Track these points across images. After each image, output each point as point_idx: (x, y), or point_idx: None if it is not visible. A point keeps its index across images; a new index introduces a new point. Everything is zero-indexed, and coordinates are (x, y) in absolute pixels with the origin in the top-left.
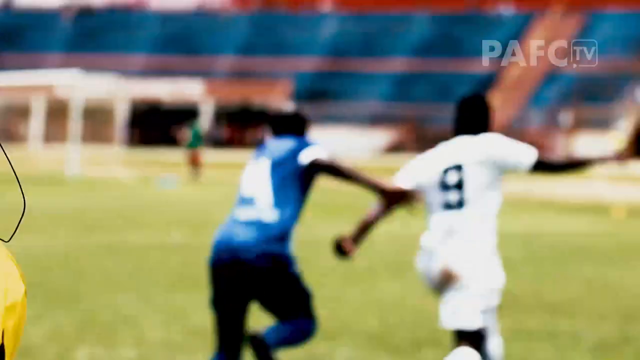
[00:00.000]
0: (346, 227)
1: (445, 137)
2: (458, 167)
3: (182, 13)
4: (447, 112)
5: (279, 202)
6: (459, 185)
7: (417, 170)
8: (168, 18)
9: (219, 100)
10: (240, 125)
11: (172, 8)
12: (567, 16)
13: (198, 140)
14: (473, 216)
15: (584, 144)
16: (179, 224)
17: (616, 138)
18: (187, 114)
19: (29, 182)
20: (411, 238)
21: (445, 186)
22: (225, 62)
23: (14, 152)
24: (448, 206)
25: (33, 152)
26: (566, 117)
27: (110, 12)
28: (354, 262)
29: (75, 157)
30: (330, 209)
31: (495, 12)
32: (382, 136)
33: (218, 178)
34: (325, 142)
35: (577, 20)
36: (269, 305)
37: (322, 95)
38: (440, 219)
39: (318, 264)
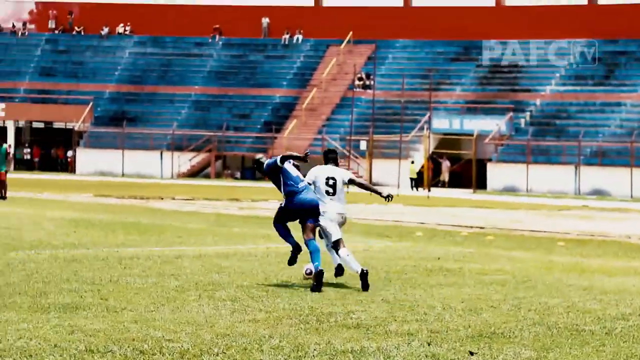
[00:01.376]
0: None
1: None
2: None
3: None
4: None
5: None
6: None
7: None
8: None
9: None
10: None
11: None
12: (360, 45)
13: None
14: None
15: (381, 171)
16: None
17: (411, 166)
18: None
19: None
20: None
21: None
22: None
23: None
24: (328, 193)
25: None
26: (364, 144)
27: None
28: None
29: None
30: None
31: (290, 40)
32: (183, 159)
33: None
34: (131, 163)
35: (368, 49)
36: None
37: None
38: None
39: None
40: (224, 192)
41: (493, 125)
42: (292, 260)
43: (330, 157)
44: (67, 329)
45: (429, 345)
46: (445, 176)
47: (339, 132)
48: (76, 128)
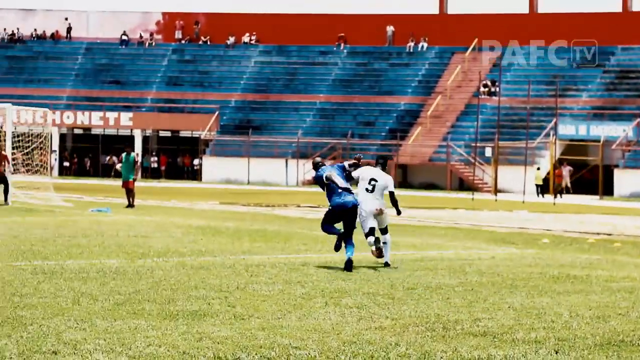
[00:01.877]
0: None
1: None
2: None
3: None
4: (370, 144)
5: None
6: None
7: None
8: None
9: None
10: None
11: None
12: (484, 52)
13: (131, 170)
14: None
15: (506, 178)
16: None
17: (537, 172)
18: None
19: None
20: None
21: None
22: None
23: None
24: (367, 190)
25: None
26: (490, 150)
27: (38, 42)
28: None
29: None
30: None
31: (415, 48)
32: (308, 167)
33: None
34: (256, 171)
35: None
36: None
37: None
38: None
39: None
40: None
41: (620, 131)
42: (337, 247)
43: (380, 162)
44: (195, 336)
45: (556, 353)
46: (566, 182)
47: (464, 139)
48: (202, 136)
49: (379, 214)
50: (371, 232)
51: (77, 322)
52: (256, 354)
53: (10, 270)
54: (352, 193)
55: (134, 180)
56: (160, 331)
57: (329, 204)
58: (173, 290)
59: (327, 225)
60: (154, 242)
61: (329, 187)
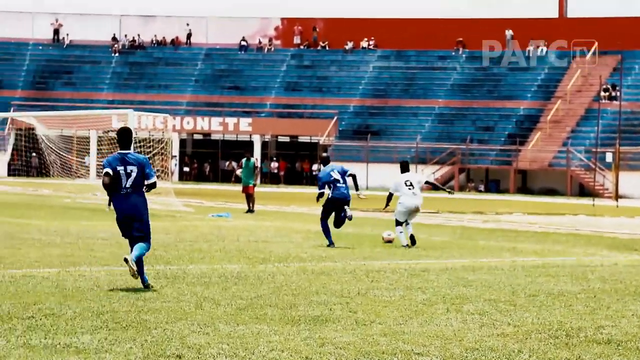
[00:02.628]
0: None
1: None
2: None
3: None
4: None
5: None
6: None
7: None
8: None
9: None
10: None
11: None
12: (605, 56)
13: (251, 175)
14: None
15: (627, 184)
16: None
17: None
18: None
19: (92, 211)
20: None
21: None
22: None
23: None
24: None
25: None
26: (610, 156)
27: (159, 48)
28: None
29: None
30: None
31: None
32: (427, 172)
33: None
34: (375, 176)
35: (614, 60)
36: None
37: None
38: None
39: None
40: (468, 205)
41: None
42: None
43: (404, 167)
44: (318, 341)
45: None
46: None
47: (584, 144)
48: (321, 142)
49: (416, 211)
50: (404, 222)
51: (200, 326)
52: (379, 359)
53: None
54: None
55: (254, 185)
56: (283, 336)
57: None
58: (294, 295)
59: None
60: (274, 247)
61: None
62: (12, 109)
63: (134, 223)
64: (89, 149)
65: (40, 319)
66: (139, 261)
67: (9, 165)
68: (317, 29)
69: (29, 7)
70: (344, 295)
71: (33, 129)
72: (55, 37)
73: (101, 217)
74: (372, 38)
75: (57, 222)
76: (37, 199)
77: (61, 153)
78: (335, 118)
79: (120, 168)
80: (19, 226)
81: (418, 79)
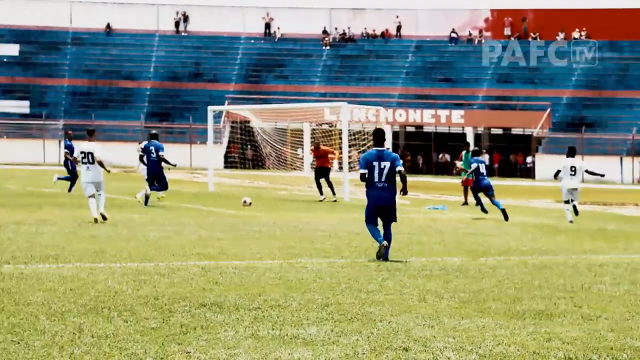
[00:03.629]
0: None
1: None
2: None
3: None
4: None
5: None
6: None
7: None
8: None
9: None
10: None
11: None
12: None
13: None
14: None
15: None
16: (456, 248)
17: None
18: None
19: (308, 203)
20: None
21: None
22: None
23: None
24: (571, 175)
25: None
26: None
27: (369, 41)
28: None
29: (346, 182)
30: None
31: None
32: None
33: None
34: (590, 169)
35: None
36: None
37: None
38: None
39: None
40: None
41: None
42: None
43: (571, 152)
44: (544, 336)
45: None
46: None
47: None
48: (535, 134)
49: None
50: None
51: (424, 319)
52: (607, 355)
53: (355, 266)
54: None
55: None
56: (509, 330)
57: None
58: (517, 289)
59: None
60: (493, 240)
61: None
62: (226, 102)
63: (387, 210)
64: (303, 141)
65: (267, 310)
66: (389, 240)
67: (225, 157)
68: (527, 20)
69: (241, 2)
70: (568, 290)
71: (248, 121)
72: (267, 31)
73: (317, 208)
74: (584, 29)
75: (276, 214)
76: (254, 190)
77: (276, 145)
78: (549, 110)
79: (376, 163)
80: (240, 218)
81: (632, 70)
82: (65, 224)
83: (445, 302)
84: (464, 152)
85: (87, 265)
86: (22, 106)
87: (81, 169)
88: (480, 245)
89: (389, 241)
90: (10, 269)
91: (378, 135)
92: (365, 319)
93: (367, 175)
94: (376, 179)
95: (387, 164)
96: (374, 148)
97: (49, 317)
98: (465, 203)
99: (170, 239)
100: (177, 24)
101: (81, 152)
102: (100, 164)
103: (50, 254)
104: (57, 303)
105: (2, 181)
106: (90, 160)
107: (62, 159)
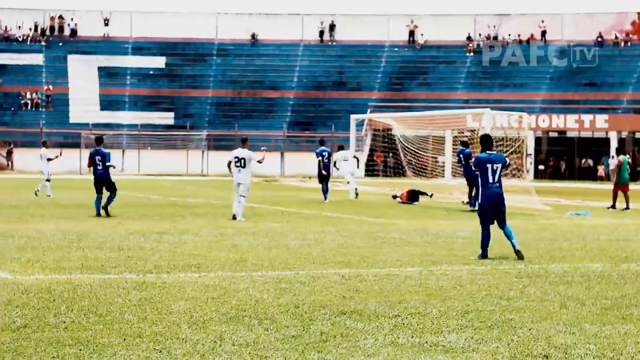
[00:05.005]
0: None
1: None
2: None
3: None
4: None
5: None
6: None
7: None
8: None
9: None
10: None
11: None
12: None
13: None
14: None
15: None
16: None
17: None
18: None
19: (449, 210)
20: None
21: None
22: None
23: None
24: None
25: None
26: None
27: (513, 46)
28: None
29: None
30: None
31: None
32: None
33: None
34: None
35: None
36: None
37: None
38: None
39: None
40: None
41: None
42: None
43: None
44: None
45: None
46: None
47: None
48: None
49: None
50: None
51: (565, 326)
52: None
53: (496, 273)
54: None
55: (628, 183)
56: None
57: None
58: None
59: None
60: (636, 246)
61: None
62: (369, 110)
63: (501, 208)
64: (444, 148)
65: (406, 318)
66: (511, 235)
67: (366, 165)
68: None
69: (385, 10)
70: None
71: (390, 129)
72: (411, 39)
73: (458, 216)
74: None
75: (415, 221)
76: (388, 198)
77: (417, 152)
78: None
79: (489, 165)
80: (380, 225)
81: None
82: (207, 234)
83: (586, 308)
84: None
85: (229, 274)
86: (166, 117)
87: (234, 171)
88: (622, 250)
89: (511, 236)
90: (153, 278)
91: (487, 140)
92: (505, 326)
93: (480, 177)
94: (490, 180)
95: (499, 166)
96: (487, 152)
97: (191, 325)
98: (612, 206)
99: (311, 247)
100: (321, 33)
101: (235, 157)
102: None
103: (193, 263)
104: (198, 312)
105: (146, 192)
106: (243, 165)
107: (204, 168)
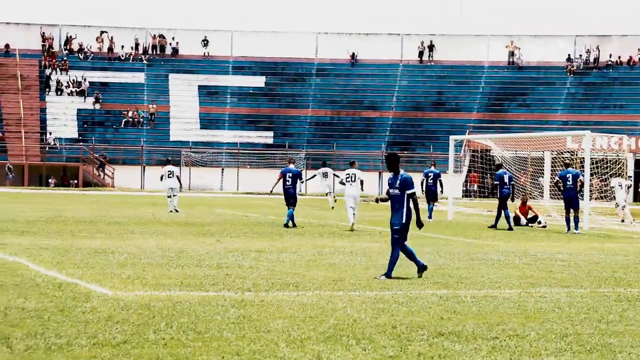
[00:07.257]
0: None
1: None
2: None
3: None
4: None
5: None
6: None
7: None
8: None
9: None
10: None
11: None
12: None
13: None
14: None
15: None
16: None
17: None
18: None
19: (538, 231)
20: None
21: None
22: None
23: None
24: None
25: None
26: None
27: (614, 68)
28: None
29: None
30: None
31: None
32: None
33: None
34: None
35: None
36: None
37: None
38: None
39: None
40: None
41: None
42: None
43: None
44: None
45: None
46: None
47: None
48: None
49: None
50: None
51: None
52: None
53: (595, 296)
54: None
55: None
56: None
57: None
58: None
59: None
60: None
61: None
62: (467, 131)
63: (574, 204)
64: (543, 169)
65: (504, 340)
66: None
67: (464, 186)
68: None
69: (485, 30)
70: None
71: (489, 150)
72: (510, 59)
73: (556, 238)
74: None
75: (514, 243)
76: (489, 220)
77: (516, 174)
78: None
79: (569, 175)
80: (478, 247)
81: None
82: (305, 252)
83: None
84: None
85: (327, 293)
86: (266, 136)
87: (346, 185)
88: None
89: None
90: (251, 296)
91: (568, 160)
92: (604, 350)
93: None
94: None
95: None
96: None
97: (289, 344)
98: None
99: (409, 268)
100: (420, 53)
101: (346, 175)
102: (361, 182)
103: (291, 281)
104: (296, 330)
105: (245, 210)
106: (353, 179)
107: (302, 187)
